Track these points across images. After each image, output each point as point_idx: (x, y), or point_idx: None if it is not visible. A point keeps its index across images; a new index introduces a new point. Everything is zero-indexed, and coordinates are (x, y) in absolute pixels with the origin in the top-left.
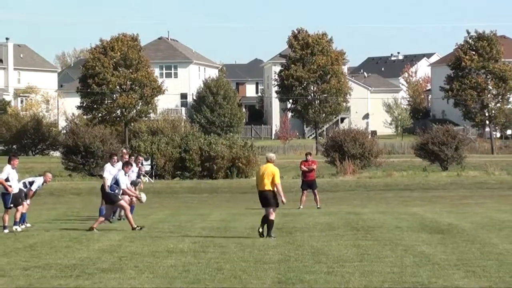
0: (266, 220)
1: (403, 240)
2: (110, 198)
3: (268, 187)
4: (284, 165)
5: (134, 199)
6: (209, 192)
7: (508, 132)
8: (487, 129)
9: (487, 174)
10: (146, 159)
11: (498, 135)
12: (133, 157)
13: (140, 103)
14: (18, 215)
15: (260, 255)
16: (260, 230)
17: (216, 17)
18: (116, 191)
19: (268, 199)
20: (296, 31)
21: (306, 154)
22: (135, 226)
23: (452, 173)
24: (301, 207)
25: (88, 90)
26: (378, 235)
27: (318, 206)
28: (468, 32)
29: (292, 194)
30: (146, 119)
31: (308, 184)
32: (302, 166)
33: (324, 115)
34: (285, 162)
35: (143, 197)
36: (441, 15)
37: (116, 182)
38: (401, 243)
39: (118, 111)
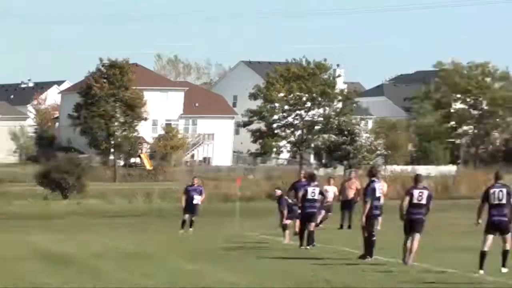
0: None
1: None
2: None
3: None
4: None
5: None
6: None
7: (132, 160)
8: (112, 157)
9: (108, 202)
10: None
11: (122, 163)
12: None
13: None
14: None
15: None
16: None
17: None
18: None
19: None
20: None
21: None
22: None
23: (73, 201)
24: None
25: None
26: None
27: None
28: (101, 60)
29: None
30: None
31: None
32: None
33: None
34: None
35: None
36: (74, 42)
37: None
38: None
39: None
